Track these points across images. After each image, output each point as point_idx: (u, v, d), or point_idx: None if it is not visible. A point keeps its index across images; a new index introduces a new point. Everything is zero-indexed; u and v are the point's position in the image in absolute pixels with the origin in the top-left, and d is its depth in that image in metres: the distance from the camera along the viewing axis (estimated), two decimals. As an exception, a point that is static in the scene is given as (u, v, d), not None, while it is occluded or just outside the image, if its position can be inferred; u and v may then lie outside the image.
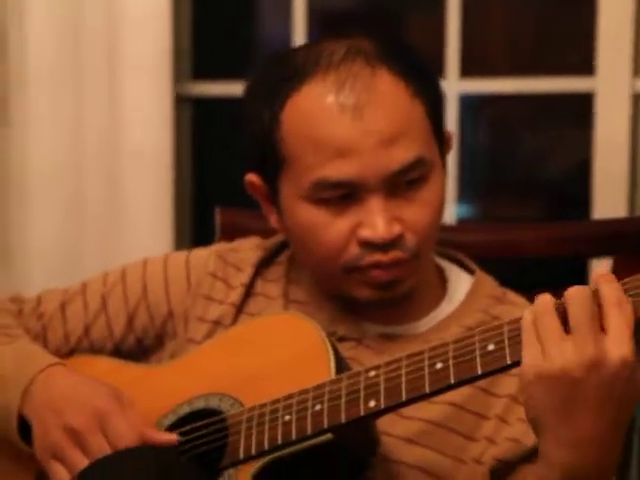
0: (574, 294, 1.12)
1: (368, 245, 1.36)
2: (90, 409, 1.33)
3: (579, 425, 1.11)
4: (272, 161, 1.40)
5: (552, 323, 1.12)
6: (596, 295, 1.13)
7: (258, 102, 1.41)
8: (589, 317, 1.11)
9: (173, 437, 1.32)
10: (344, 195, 1.36)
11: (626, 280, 1.15)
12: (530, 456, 1.35)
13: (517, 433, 1.37)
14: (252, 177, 1.47)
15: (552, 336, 1.11)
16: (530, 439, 1.33)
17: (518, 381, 1.15)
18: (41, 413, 1.36)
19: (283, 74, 1.39)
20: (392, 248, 1.36)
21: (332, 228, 1.37)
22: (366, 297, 1.41)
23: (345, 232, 1.36)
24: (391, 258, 1.36)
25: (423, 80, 1.40)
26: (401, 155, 1.35)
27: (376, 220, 1.34)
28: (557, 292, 1.18)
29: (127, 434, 1.31)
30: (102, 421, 1.32)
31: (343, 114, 1.34)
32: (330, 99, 1.34)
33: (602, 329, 1.11)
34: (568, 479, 1.14)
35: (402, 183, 1.36)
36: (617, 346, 1.10)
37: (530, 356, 1.12)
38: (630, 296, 1.13)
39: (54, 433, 1.33)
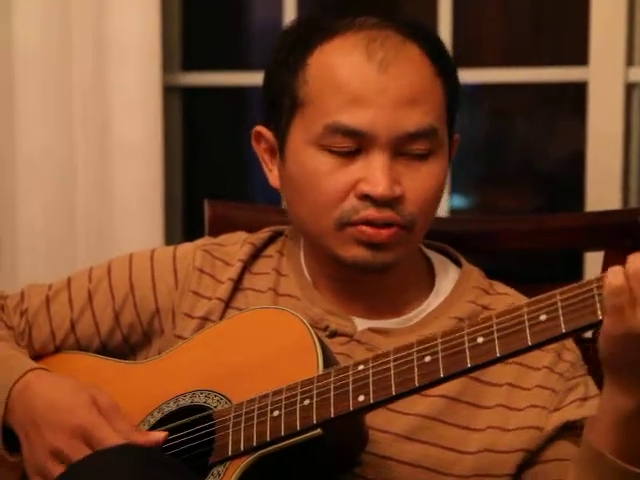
0: None
1: (365, 200, 1.36)
2: (73, 426, 1.31)
3: None
4: (288, 105, 1.41)
5: None
6: None
7: (285, 49, 1.43)
8: None
9: (160, 435, 1.31)
10: (352, 150, 1.37)
11: None
12: (553, 440, 1.36)
13: (532, 420, 1.37)
14: (260, 128, 1.48)
15: None
16: (549, 424, 1.36)
17: (601, 339, 1.15)
18: (24, 428, 1.35)
19: (315, 26, 1.43)
20: (388, 208, 1.36)
21: (334, 178, 1.37)
22: (354, 256, 1.38)
23: (346, 184, 1.37)
24: (384, 217, 1.36)
25: (446, 68, 1.42)
26: (417, 118, 1.36)
27: (378, 177, 1.35)
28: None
29: (115, 443, 1.28)
30: (87, 437, 1.30)
31: (370, 64, 1.36)
32: (360, 49, 1.37)
33: None
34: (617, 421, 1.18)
35: (409, 152, 1.37)
36: None
37: (620, 315, 1.12)
38: None
39: (40, 454, 1.32)
